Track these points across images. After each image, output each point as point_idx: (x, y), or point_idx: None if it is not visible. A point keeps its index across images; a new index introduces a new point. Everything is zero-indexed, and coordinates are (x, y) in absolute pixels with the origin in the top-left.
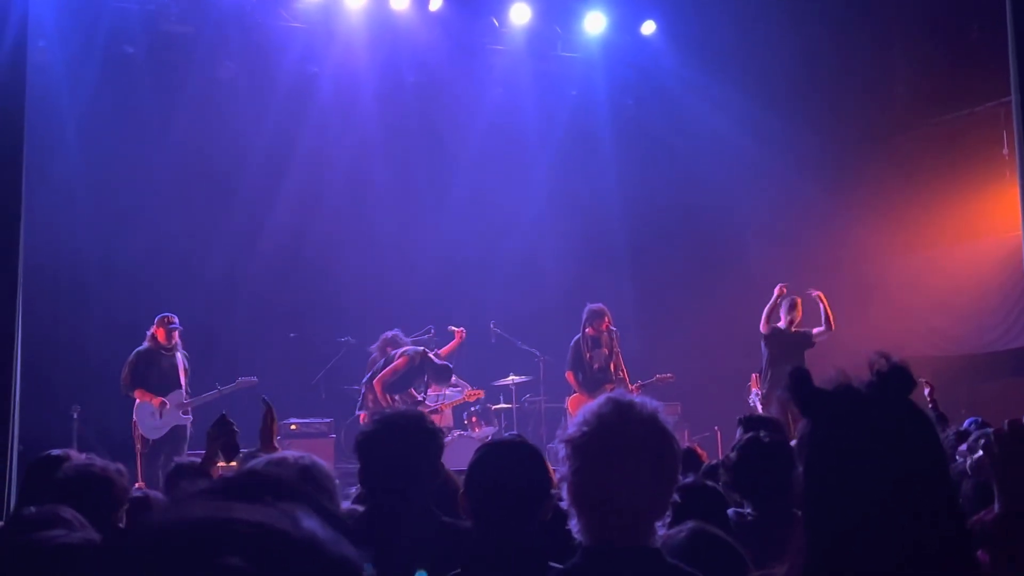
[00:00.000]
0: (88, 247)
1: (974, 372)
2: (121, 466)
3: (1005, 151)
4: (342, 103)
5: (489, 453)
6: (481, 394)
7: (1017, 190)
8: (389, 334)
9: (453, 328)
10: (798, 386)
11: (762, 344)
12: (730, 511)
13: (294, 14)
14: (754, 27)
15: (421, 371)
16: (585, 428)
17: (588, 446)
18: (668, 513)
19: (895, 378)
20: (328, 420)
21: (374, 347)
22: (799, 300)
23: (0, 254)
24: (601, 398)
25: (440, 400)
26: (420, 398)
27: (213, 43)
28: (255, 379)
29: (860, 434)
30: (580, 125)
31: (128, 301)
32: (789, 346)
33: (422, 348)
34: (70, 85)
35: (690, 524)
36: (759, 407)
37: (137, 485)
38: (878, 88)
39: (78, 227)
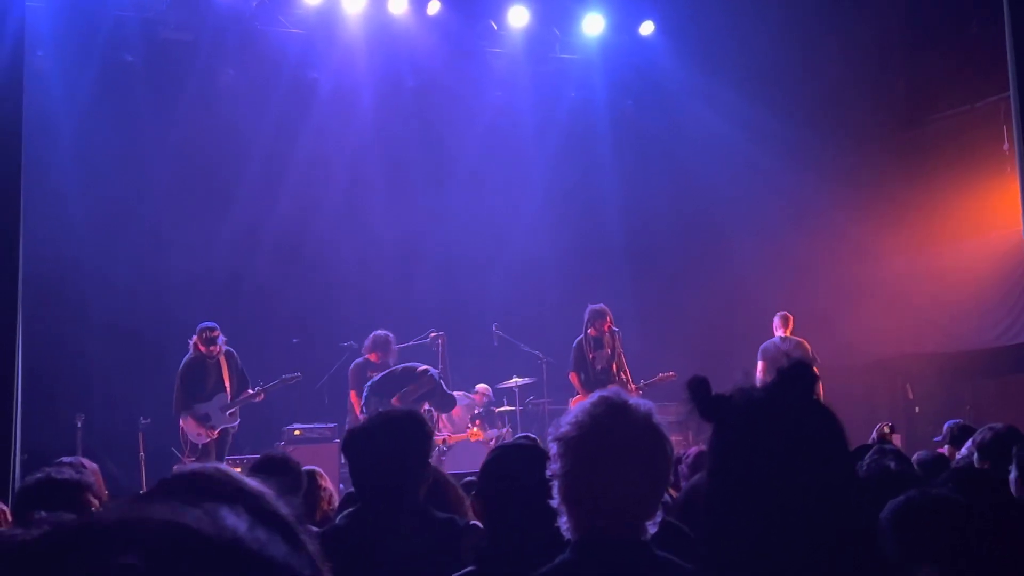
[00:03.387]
0: (88, 255)
1: (977, 368)
2: (89, 476)
3: (1006, 146)
4: (341, 108)
5: (502, 455)
6: (481, 435)
7: (1017, 185)
8: (381, 334)
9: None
10: (698, 394)
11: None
12: None
13: (292, 20)
14: (752, 26)
15: (432, 394)
16: (577, 427)
17: (580, 445)
18: (659, 513)
19: (794, 377)
20: (332, 425)
21: (365, 345)
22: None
23: (0, 262)
24: (594, 396)
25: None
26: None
27: (212, 50)
28: (299, 374)
29: (759, 434)
30: (579, 127)
31: (129, 309)
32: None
33: (438, 371)
34: (68, 93)
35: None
36: None
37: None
38: (878, 85)
39: (78, 235)
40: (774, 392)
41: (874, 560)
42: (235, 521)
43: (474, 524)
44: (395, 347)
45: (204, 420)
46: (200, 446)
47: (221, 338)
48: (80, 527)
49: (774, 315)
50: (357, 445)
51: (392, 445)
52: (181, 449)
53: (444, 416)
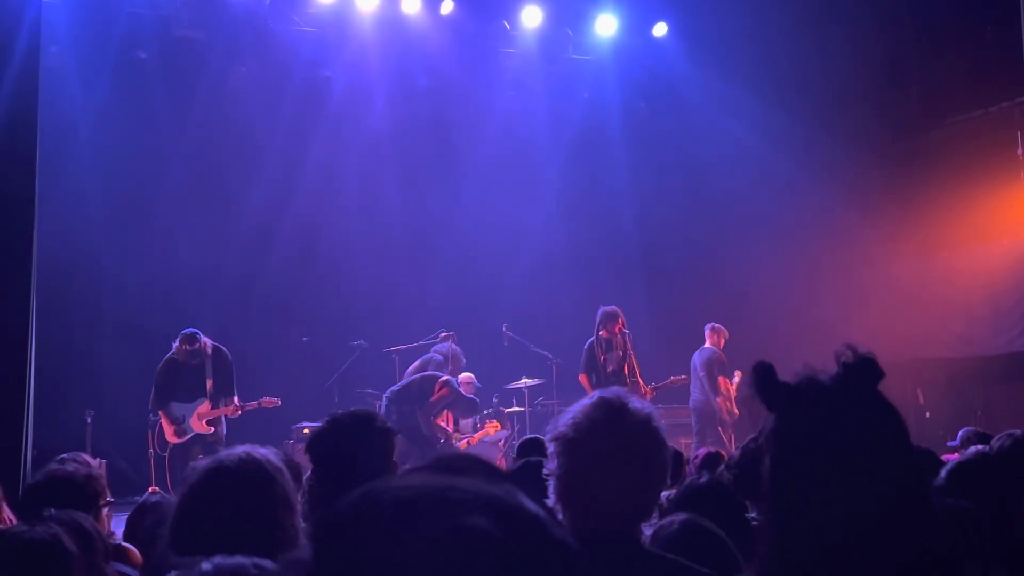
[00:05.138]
0: (101, 252)
1: (989, 373)
2: (96, 470)
3: (1020, 151)
4: (354, 107)
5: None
6: (499, 426)
7: None
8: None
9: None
10: (762, 381)
11: None
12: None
13: (306, 19)
14: (766, 28)
15: (455, 403)
16: (574, 428)
17: (577, 446)
18: (655, 515)
19: (860, 369)
20: None
21: (439, 355)
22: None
23: (14, 259)
24: (594, 397)
25: (467, 435)
26: (450, 430)
27: (226, 48)
28: (278, 401)
29: (824, 426)
30: (592, 127)
31: (141, 306)
32: None
33: (455, 380)
34: (83, 90)
35: (682, 516)
36: (723, 405)
37: (151, 489)
38: (892, 90)
39: (91, 232)
40: (842, 383)
41: (940, 557)
42: (534, 505)
43: None
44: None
45: (177, 422)
46: (171, 445)
47: (204, 346)
48: (418, 492)
49: (785, 317)
50: (320, 447)
51: (353, 448)
52: (163, 447)
53: (449, 418)
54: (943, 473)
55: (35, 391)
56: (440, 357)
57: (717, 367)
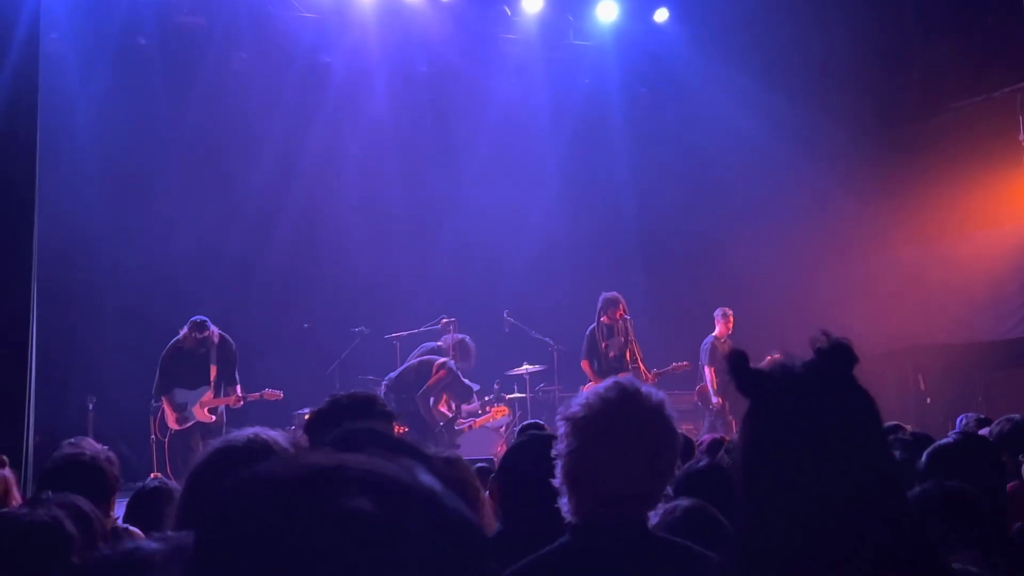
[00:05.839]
0: (102, 238)
1: (990, 359)
2: (112, 454)
3: (1021, 137)
4: (354, 93)
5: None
6: (506, 411)
7: None
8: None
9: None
10: (736, 367)
11: None
12: None
13: (306, 4)
14: (767, 15)
15: (452, 385)
16: (587, 409)
17: (588, 427)
18: (660, 504)
19: (833, 354)
20: None
21: (443, 345)
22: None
23: (15, 245)
24: (608, 381)
25: (471, 419)
26: (451, 415)
27: (226, 34)
28: (280, 393)
29: (795, 411)
30: (593, 114)
31: (142, 292)
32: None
33: (453, 362)
34: (83, 77)
35: (686, 502)
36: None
37: (152, 475)
38: (893, 75)
39: (92, 218)
40: (814, 368)
41: (914, 541)
42: (430, 478)
43: None
44: (473, 351)
45: (179, 409)
46: (172, 431)
47: (211, 335)
48: (306, 473)
49: (786, 303)
50: (318, 428)
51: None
52: (163, 432)
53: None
54: (924, 456)
55: (36, 377)
56: (442, 345)
57: (706, 355)
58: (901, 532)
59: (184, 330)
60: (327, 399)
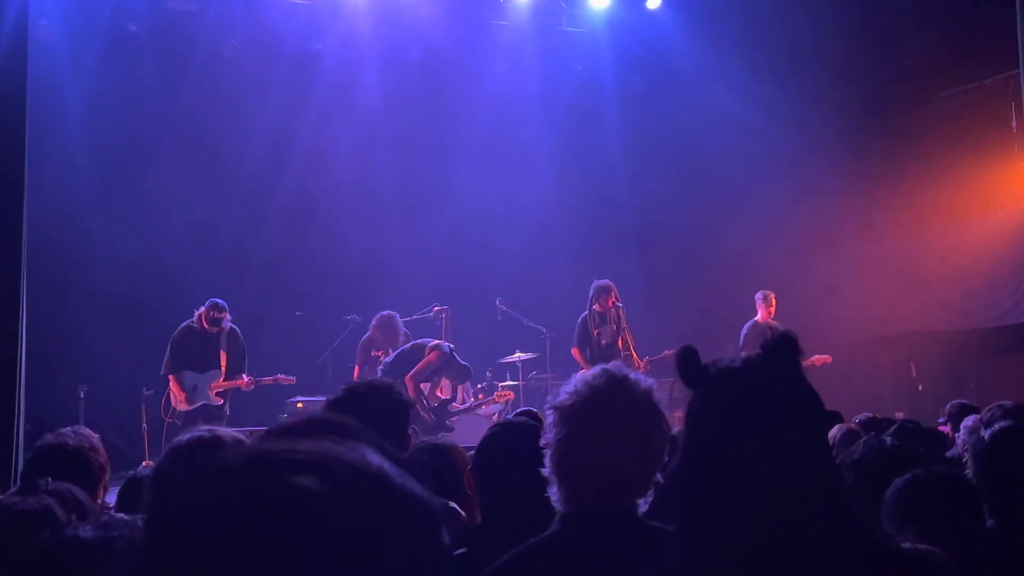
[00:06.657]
0: (92, 225)
1: (982, 346)
2: (98, 443)
3: (1014, 124)
4: (346, 80)
5: (502, 432)
6: (511, 395)
7: None
8: (386, 314)
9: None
10: (682, 362)
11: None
12: None
13: None
14: (760, 1)
15: (446, 368)
16: (575, 396)
17: (576, 415)
18: (651, 492)
19: (777, 347)
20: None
21: (372, 326)
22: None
23: (4, 233)
24: (596, 369)
25: (472, 403)
26: (447, 397)
27: (217, 20)
28: (294, 379)
29: (734, 403)
30: (586, 101)
31: (133, 280)
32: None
33: (448, 345)
34: (73, 63)
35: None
36: None
37: (145, 463)
38: (886, 62)
39: (82, 205)
40: (751, 361)
41: (847, 525)
42: (378, 459)
43: (453, 507)
44: (401, 326)
45: (189, 390)
46: (179, 414)
47: (227, 321)
48: (250, 455)
49: (778, 291)
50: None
51: (368, 419)
52: (168, 412)
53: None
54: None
55: (27, 366)
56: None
57: (745, 339)
58: (840, 518)
59: (201, 309)
60: (343, 387)
